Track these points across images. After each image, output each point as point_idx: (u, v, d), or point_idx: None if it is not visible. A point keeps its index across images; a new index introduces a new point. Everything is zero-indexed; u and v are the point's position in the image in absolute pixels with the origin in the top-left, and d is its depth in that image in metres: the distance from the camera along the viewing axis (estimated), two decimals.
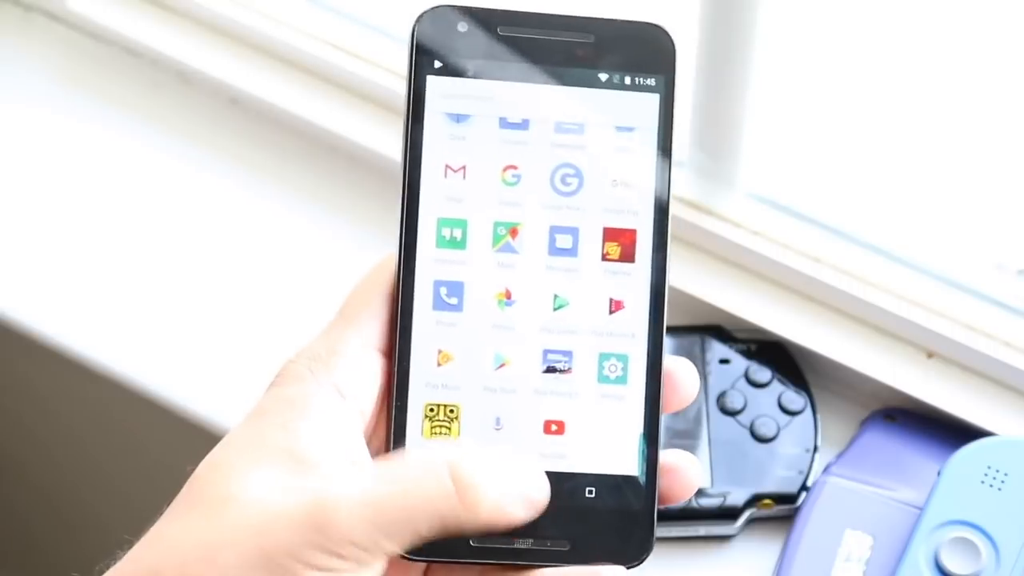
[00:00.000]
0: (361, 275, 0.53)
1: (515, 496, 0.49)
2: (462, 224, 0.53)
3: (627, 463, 0.53)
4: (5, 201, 0.92)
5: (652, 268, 0.53)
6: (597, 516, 0.52)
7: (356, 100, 0.90)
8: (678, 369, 0.54)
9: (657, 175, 0.54)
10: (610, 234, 0.53)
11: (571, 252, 0.53)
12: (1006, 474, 0.72)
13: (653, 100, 0.54)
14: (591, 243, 0.53)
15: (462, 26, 0.53)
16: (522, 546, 0.51)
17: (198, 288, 0.88)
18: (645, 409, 0.53)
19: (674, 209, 0.82)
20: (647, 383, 0.53)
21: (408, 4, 0.93)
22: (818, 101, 0.89)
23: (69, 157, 0.94)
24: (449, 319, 0.53)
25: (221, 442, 0.50)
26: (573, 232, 0.53)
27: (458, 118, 0.53)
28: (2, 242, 0.91)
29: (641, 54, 0.54)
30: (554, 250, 0.53)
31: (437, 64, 0.53)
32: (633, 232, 0.53)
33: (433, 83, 0.53)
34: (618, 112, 0.53)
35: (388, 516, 0.47)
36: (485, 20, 0.53)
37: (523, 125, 0.53)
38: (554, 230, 0.53)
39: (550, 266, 0.53)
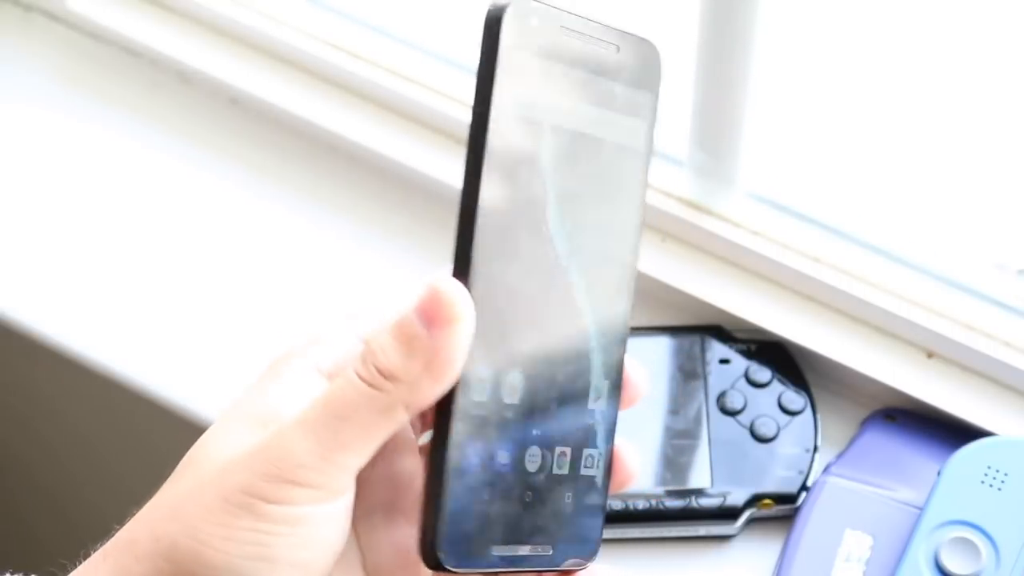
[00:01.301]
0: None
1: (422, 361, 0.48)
2: None
3: (593, 464, 0.53)
4: (5, 201, 0.92)
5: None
6: (570, 517, 0.53)
7: (356, 100, 0.90)
8: (629, 369, 0.54)
9: (643, 190, 0.54)
10: None
11: None
12: (1006, 474, 0.72)
13: (646, 117, 0.54)
14: None
15: (535, 22, 0.51)
16: (521, 553, 0.52)
17: (198, 288, 0.88)
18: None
19: (674, 209, 0.83)
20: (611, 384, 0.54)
21: (407, 5, 0.94)
22: (818, 101, 0.90)
23: (69, 157, 0.94)
24: None
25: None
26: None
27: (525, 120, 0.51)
28: (2, 242, 0.91)
29: (644, 71, 0.54)
30: None
31: (516, 61, 0.51)
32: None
33: (508, 80, 0.51)
34: (623, 130, 0.54)
35: (323, 431, 0.47)
36: (554, 20, 0.51)
37: (563, 138, 0.53)
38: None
39: None
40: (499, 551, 0.51)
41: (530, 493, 0.52)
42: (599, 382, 0.53)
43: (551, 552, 0.52)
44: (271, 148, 0.93)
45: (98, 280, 0.89)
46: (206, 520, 0.47)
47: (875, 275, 0.80)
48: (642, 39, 0.54)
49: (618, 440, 0.54)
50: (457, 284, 0.49)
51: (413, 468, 0.54)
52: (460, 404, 0.50)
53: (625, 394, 0.54)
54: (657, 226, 0.84)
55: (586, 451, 0.53)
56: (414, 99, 0.88)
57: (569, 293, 0.53)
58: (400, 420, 0.48)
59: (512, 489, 0.52)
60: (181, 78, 0.95)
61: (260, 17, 0.92)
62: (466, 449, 0.50)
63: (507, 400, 0.51)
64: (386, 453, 0.53)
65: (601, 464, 0.53)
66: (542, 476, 0.52)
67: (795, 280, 0.81)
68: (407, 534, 0.53)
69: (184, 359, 0.86)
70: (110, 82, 0.96)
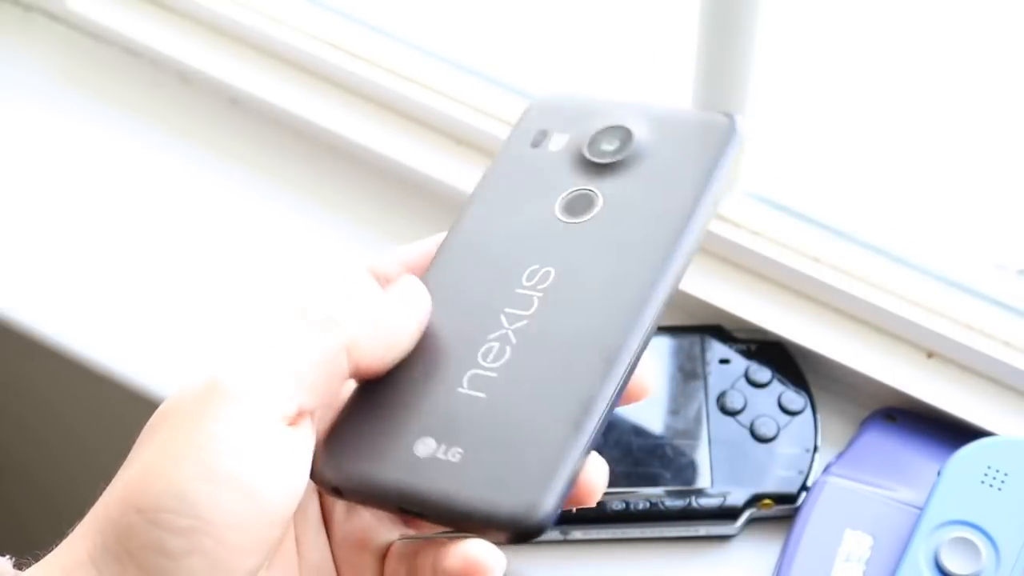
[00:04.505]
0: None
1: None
2: None
3: None
4: (5, 201, 0.92)
5: None
6: None
7: (356, 100, 0.90)
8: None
9: None
10: None
11: None
12: (1006, 474, 0.72)
13: None
14: None
15: None
16: None
17: (198, 288, 0.88)
18: None
19: None
20: None
21: (407, 5, 0.94)
22: (818, 100, 0.90)
23: (69, 157, 0.94)
24: None
25: None
26: None
27: None
28: (2, 242, 0.91)
29: None
30: None
31: None
32: None
33: None
34: None
35: (268, 370, 0.50)
36: None
37: None
38: None
39: None
40: None
41: None
42: None
43: None
44: (271, 148, 0.93)
45: (98, 280, 0.89)
46: (164, 442, 0.52)
47: (875, 275, 0.80)
48: None
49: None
50: None
51: None
52: None
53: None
54: None
55: None
56: (414, 99, 0.88)
57: None
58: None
59: None
60: (181, 78, 0.95)
61: (260, 17, 0.92)
62: None
63: None
64: None
65: None
66: None
67: (795, 280, 0.81)
68: (366, 520, 0.54)
69: (184, 359, 0.86)
70: (110, 82, 0.96)
